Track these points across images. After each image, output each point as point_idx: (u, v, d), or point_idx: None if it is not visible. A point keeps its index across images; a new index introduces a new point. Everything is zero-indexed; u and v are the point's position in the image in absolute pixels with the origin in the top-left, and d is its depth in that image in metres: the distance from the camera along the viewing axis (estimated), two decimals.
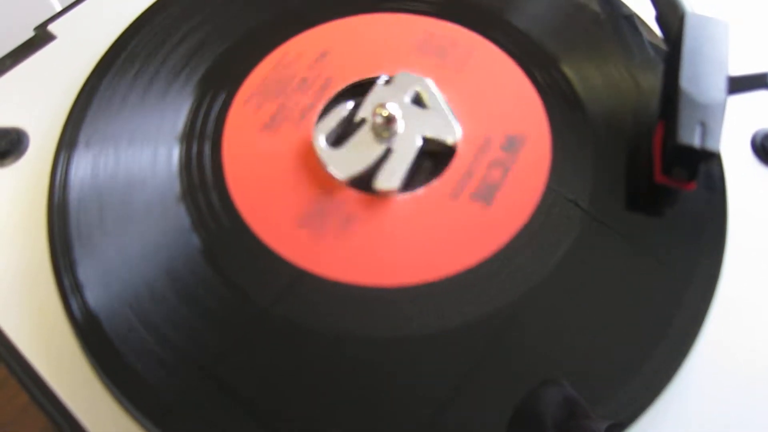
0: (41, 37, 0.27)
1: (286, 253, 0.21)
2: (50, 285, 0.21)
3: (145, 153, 0.23)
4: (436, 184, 0.23)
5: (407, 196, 0.22)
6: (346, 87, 0.25)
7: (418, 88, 0.24)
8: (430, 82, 0.24)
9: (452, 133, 0.23)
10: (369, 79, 0.25)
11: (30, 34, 0.27)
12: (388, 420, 0.19)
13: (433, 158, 0.24)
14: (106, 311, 0.20)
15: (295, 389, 0.19)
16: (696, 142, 0.20)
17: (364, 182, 0.22)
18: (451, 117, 0.24)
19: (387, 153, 0.23)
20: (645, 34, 0.26)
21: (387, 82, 0.25)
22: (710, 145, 0.20)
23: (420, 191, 0.22)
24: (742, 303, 0.21)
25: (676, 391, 0.19)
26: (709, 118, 0.21)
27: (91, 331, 0.20)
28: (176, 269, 0.21)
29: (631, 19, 0.27)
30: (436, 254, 0.21)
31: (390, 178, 0.22)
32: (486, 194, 0.22)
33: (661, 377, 0.19)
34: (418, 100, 0.24)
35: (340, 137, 0.24)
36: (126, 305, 0.20)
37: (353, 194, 0.22)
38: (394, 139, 0.23)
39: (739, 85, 0.21)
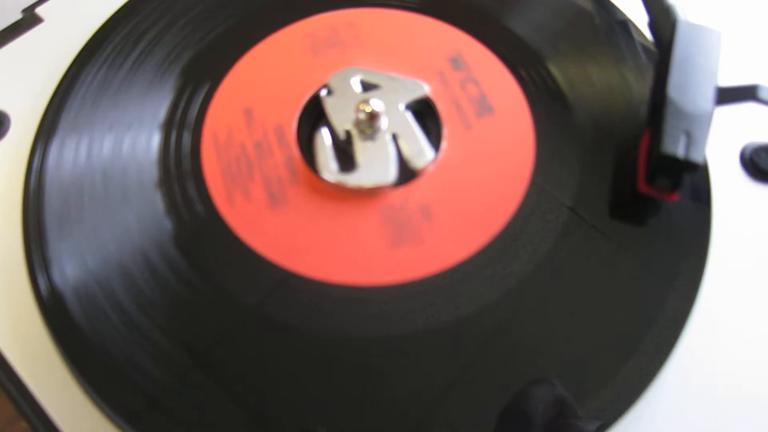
0: (28, 19, 0.27)
1: (256, 243, 0.21)
2: (21, 267, 0.21)
3: (125, 139, 0.23)
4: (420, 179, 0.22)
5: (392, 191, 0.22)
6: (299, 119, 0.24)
7: (360, 76, 0.24)
8: (356, 69, 0.24)
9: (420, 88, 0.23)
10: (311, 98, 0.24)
11: (17, 16, 0.27)
12: (374, 419, 0.18)
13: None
14: (73, 290, 0.20)
15: (257, 374, 0.19)
16: (680, 152, 0.20)
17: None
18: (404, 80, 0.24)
19: (395, 138, 0.23)
20: (638, 39, 0.26)
21: (328, 92, 0.24)
22: (694, 156, 0.20)
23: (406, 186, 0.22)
24: (721, 313, 0.21)
25: (657, 391, 0.19)
26: (694, 128, 0.20)
27: (55, 309, 0.20)
28: (147, 254, 0.21)
29: (625, 25, 0.26)
30: (421, 252, 0.21)
31: (421, 154, 0.22)
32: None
33: (643, 378, 0.19)
34: (367, 86, 0.24)
35: (341, 156, 0.23)
36: (94, 286, 0.20)
37: (329, 188, 0.22)
38: (378, 134, 0.23)
39: (728, 96, 0.21)
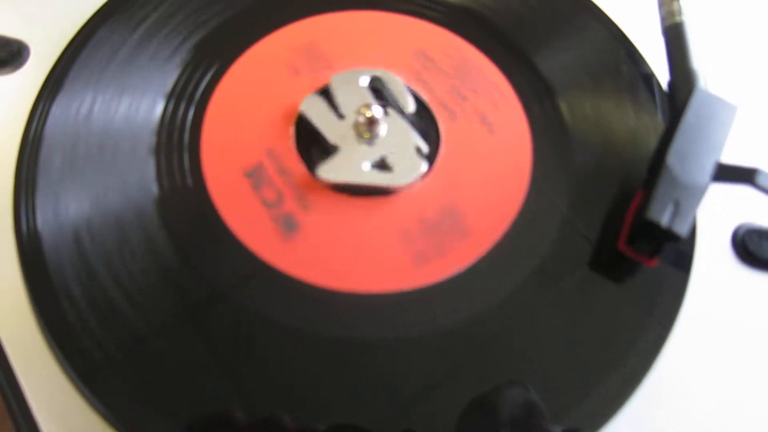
0: None
1: (236, 227, 0.21)
2: (8, 207, 0.21)
3: (128, 101, 0.23)
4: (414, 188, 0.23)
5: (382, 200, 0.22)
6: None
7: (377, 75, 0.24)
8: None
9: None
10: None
11: None
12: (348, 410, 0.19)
13: None
14: (51, 237, 0.20)
15: (207, 353, 0.19)
16: (664, 220, 0.20)
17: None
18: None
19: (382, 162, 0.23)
20: (659, 96, 0.25)
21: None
22: (677, 228, 0.20)
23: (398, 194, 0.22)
24: (675, 385, 0.21)
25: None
26: (684, 200, 0.20)
27: (31, 251, 0.20)
28: (127, 215, 0.21)
29: (649, 79, 0.26)
30: (394, 263, 0.21)
31: (413, 169, 0.22)
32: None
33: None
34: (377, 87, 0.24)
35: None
36: (72, 237, 0.20)
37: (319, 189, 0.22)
38: (377, 140, 0.23)
39: (726, 174, 0.20)
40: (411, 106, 0.24)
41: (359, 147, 0.23)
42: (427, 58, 0.25)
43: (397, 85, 0.24)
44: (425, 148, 0.23)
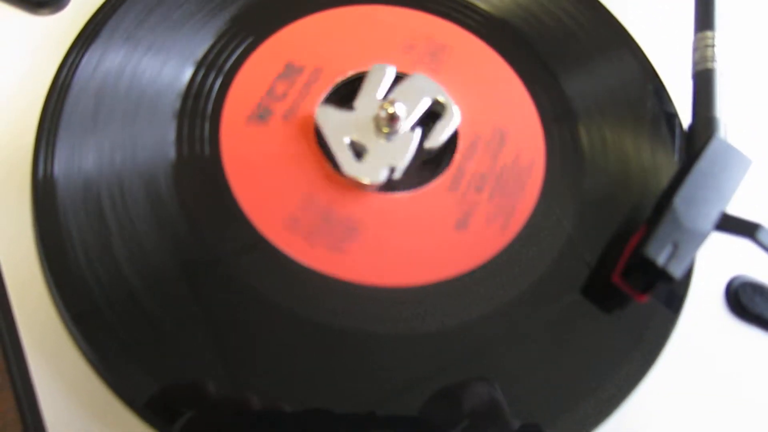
0: None
1: (243, 199, 0.22)
2: (29, 148, 0.22)
3: (159, 63, 0.24)
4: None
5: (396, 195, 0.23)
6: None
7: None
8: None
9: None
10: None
11: None
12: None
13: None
14: (66, 181, 0.21)
15: (192, 314, 0.20)
16: (660, 260, 0.20)
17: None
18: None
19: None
20: (679, 137, 0.26)
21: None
22: (672, 269, 0.20)
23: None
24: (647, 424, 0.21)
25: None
26: (684, 243, 0.20)
27: (44, 194, 0.21)
28: (141, 173, 0.22)
29: (672, 118, 0.26)
30: (404, 259, 0.22)
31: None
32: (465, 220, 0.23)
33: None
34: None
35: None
36: (84, 185, 0.21)
37: (336, 181, 0.23)
38: (395, 136, 0.23)
39: (729, 224, 0.21)
40: (435, 144, 0.24)
41: (365, 125, 0.23)
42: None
43: (450, 122, 0.24)
44: (398, 173, 0.23)
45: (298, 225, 0.22)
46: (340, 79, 0.24)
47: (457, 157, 0.24)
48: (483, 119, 0.25)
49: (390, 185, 0.23)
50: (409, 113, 0.23)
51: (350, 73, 0.25)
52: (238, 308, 0.20)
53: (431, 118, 0.24)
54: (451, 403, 0.20)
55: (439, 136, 0.24)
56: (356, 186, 0.22)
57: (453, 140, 0.24)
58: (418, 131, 0.23)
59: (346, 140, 0.23)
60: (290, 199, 0.22)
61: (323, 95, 0.24)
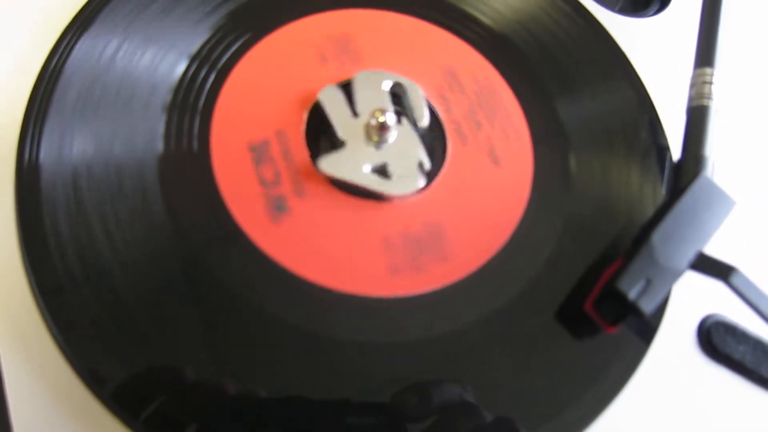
0: None
1: (228, 196, 0.22)
2: (15, 134, 0.22)
3: (152, 54, 0.24)
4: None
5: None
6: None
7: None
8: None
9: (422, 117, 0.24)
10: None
11: None
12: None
13: None
14: (50, 170, 0.21)
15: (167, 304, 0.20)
16: (632, 294, 0.20)
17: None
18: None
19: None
20: (668, 171, 0.26)
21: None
22: (643, 304, 0.20)
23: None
24: None
25: None
26: (657, 279, 0.20)
27: (28, 182, 0.21)
28: (127, 165, 0.22)
29: (663, 151, 0.26)
30: (369, 268, 0.22)
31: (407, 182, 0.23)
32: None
33: None
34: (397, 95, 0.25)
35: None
36: (69, 174, 0.21)
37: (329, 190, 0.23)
38: (384, 145, 0.23)
39: (704, 264, 0.21)
40: (425, 121, 0.24)
41: (366, 148, 0.23)
42: (454, 78, 0.26)
43: (418, 96, 0.24)
44: (428, 164, 0.23)
45: (281, 226, 0.22)
46: (303, 127, 0.24)
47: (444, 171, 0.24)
48: (476, 137, 0.25)
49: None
50: (386, 108, 0.23)
51: (305, 115, 0.24)
52: (211, 300, 0.20)
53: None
54: (421, 398, 0.20)
55: (420, 112, 0.24)
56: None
57: (442, 157, 0.24)
58: (405, 120, 0.24)
59: (367, 170, 0.23)
60: None
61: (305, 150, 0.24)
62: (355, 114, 0.24)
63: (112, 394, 0.19)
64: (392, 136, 0.23)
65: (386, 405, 0.20)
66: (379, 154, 0.23)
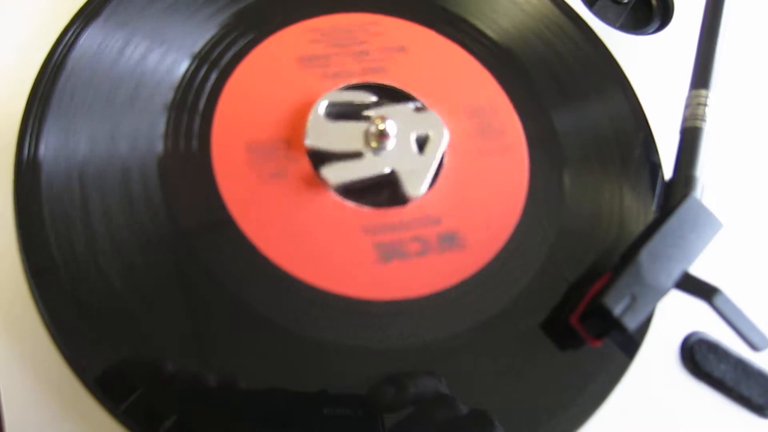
0: None
1: (228, 196, 0.22)
2: (15, 129, 0.22)
3: (155, 53, 0.24)
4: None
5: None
6: (383, 85, 0.25)
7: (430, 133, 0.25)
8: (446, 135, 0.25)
9: (416, 187, 0.24)
10: (406, 93, 0.25)
11: None
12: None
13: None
14: (50, 166, 0.21)
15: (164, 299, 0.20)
16: (617, 310, 0.21)
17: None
18: (429, 176, 0.24)
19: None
20: (660, 189, 0.26)
21: (417, 109, 0.25)
22: (626, 321, 0.21)
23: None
24: None
25: None
26: (642, 297, 0.21)
27: (28, 177, 0.21)
28: (127, 163, 0.22)
29: (655, 169, 0.26)
30: (360, 272, 0.22)
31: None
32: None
33: None
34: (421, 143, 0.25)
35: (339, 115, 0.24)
36: (67, 169, 0.22)
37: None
38: (381, 153, 0.24)
39: (689, 284, 0.21)
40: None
41: (365, 154, 0.24)
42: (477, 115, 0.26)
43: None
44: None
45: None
46: (304, 129, 0.24)
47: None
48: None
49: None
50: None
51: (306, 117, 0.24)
52: (206, 297, 0.21)
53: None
54: (397, 388, 0.20)
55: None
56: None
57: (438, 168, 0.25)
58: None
59: (387, 171, 0.24)
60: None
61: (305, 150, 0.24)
62: (355, 119, 0.24)
63: (97, 379, 0.19)
64: (391, 143, 0.24)
65: (363, 396, 0.20)
66: (378, 160, 0.24)
